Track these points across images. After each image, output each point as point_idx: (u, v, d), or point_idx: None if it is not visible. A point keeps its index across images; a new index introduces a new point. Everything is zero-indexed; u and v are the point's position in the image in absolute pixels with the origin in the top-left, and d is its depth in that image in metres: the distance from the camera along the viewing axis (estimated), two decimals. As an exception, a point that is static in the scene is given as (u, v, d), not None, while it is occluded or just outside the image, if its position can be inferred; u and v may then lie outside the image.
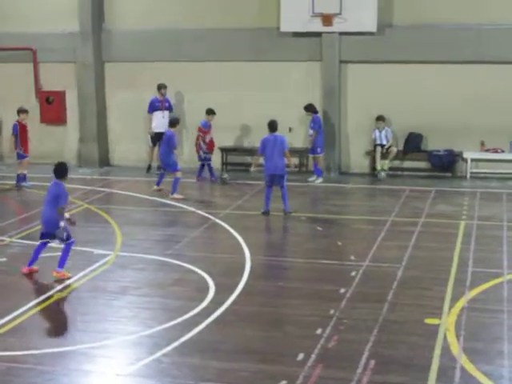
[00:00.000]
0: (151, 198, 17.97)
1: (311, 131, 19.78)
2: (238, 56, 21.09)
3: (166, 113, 20.98)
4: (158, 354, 9.28)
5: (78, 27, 21.86)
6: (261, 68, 21.07)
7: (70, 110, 22.58)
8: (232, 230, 14.93)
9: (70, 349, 9.50)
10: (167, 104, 21.20)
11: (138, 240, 14.20)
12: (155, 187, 18.70)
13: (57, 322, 10.45)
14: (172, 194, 18.01)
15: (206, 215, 16.24)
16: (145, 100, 21.30)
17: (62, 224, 11.88)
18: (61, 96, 22.50)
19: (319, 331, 9.83)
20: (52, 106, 22.44)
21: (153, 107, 20.78)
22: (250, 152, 21.05)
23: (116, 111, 22.39)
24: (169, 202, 17.54)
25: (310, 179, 19.80)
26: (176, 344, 9.54)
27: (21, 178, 19.36)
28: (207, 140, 19.81)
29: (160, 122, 20.68)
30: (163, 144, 18.46)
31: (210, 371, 8.86)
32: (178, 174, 18.25)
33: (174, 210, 16.88)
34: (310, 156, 20.20)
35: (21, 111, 19.55)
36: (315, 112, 19.80)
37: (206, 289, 11.53)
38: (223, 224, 15.47)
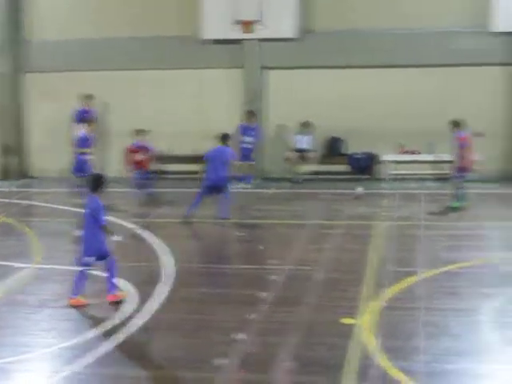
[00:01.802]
0: (71, 209, 17.78)
1: (250, 139, 19.74)
2: (160, 64, 21.12)
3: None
4: (78, 365, 9.20)
5: (-6, 38, 21.62)
6: (183, 76, 21.12)
7: (-11, 122, 22.27)
8: (155, 238, 14.91)
9: (-13, 364, 9.39)
10: (92, 115, 20.98)
11: (57, 252, 14.04)
12: None
13: (-26, 338, 10.29)
14: None
15: (129, 224, 16.18)
16: (65, 111, 21.12)
17: (114, 238, 11.29)
18: (-21, 108, 22.18)
19: (240, 336, 9.91)
20: (-30, 119, 22.10)
21: (79, 118, 20.59)
22: (174, 159, 21.08)
23: (36, 122, 22.13)
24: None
25: (239, 186, 19.80)
26: (97, 355, 9.47)
27: None
28: (136, 158, 19.37)
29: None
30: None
31: (130, 381, 8.83)
32: None
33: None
34: (240, 163, 20.07)
35: None
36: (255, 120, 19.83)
37: (130, 297, 11.48)
38: (146, 232, 15.44)
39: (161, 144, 21.21)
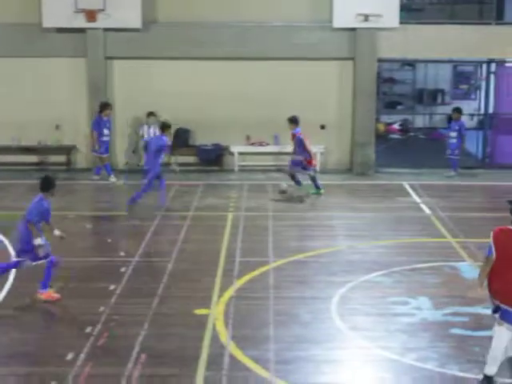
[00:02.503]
0: None
1: (107, 131, 19.21)
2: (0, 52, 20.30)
3: None
4: None
5: None
6: (22, 64, 20.40)
7: None
8: (-4, 233, 14.37)
9: None
10: None
11: None
12: None
13: None
14: None
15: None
16: None
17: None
18: None
19: (89, 329, 9.72)
20: None
21: None
22: (18, 150, 20.44)
23: None
24: None
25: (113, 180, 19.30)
26: None
27: None
28: None
29: None
30: None
31: (-27, 379, 8.52)
32: None
33: None
34: (96, 155, 19.44)
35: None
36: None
37: (-30, 293, 11.05)
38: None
39: (5, 134, 20.51)
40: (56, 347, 9.35)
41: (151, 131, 20.28)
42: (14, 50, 20.27)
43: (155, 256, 12.91)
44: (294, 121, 17.52)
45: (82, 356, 8.95)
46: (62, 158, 20.71)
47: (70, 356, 8.93)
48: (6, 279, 11.59)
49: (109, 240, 14.09)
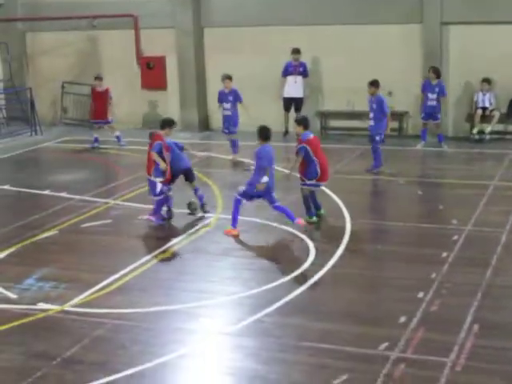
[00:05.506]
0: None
1: (434, 95, 19.11)
2: (338, 19, 20.82)
3: (300, 78, 20.84)
4: (260, 314, 9.39)
5: (177, -7, 22.05)
6: (360, 31, 20.76)
7: (171, 75, 22.82)
8: (332, 194, 14.85)
9: (173, 308, 9.73)
10: (301, 69, 20.90)
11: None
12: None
13: (160, 282, 10.68)
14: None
15: (305, 179, 16.17)
16: (243, 64, 21.40)
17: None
18: (161, 61, 22.76)
19: (421, 295, 9.76)
20: (152, 72, 22.71)
21: (286, 71, 20.68)
22: (350, 115, 20.98)
23: (215, 76, 22.43)
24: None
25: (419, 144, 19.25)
26: (277, 305, 9.64)
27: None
28: None
29: (291, 86, 20.77)
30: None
31: (312, 332, 8.93)
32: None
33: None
34: (424, 122, 19.16)
35: (96, 78, 20.50)
36: (439, 76, 19.13)
37: (307, 251, 11.58)
38: (323, 188, 15.38)
39: (337, 100, 21.16)
40: (387, 309, 9.53)
41: (486, 98, 19.72)
42: (354, 18, 20.67)
43: (488, 226, 12.55)
44: None
45: (415, 320, 9.03)
46: (393, 125, 20.88)
47: (402, 319, 9.05)
48: (341, 241, 12.01)
49: (440, 207, 13.98)
